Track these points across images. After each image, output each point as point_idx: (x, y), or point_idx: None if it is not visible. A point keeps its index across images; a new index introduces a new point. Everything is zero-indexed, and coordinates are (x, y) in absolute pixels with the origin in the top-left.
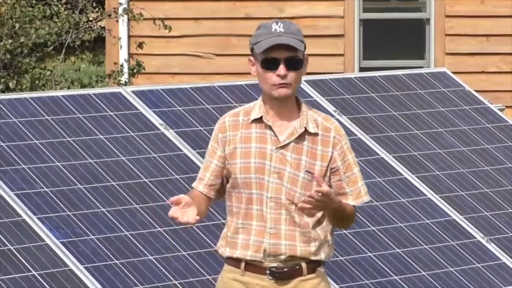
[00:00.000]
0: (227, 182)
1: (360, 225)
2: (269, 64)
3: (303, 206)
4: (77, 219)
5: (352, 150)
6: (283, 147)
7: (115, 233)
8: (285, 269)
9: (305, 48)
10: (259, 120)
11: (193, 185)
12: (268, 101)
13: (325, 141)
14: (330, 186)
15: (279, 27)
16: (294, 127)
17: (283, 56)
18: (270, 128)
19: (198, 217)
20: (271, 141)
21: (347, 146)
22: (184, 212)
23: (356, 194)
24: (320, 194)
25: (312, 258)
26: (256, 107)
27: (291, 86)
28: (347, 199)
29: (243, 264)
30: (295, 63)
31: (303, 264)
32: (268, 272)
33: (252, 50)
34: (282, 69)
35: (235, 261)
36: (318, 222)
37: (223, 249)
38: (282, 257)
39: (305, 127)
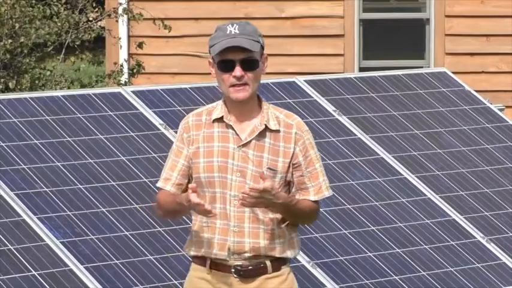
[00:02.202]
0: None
1: (359, 225)
2: (225, 66)
3: (242, 204)
4: (77, 219)
5: (314, 146)
6: (244, 145)
7: (115, 233)
8: (250, 267)
9: (263, 47)
10: (220, 119)
11: (160, 185)
12: (229, 100)
13: (287, 137)
14: (292, 181)
15: (234, 28)
16: (255, 125)
17: (239, 58)
18: (231, 127)
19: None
20: (233, 140)
21: (309, 142)
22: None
23: (317, 189)
24: (256, 190)
25: (277, 255)
26: (218, 107)
27: (249, 87)
28: (308, 194)
29: (208, 263)
30: (251, 64)
31: (268, 262)
32: (233, 270)
33: (210, 52)
34: (237, 70)
35: (200, 260)
36: (283, 219)
37: (189, 248)
38: (246, 254)
39: (265, 124)
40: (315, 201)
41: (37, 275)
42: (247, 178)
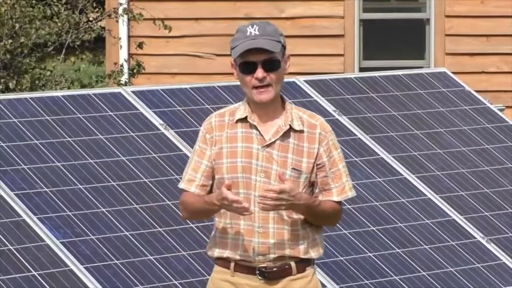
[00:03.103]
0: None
1: (359, 225)
2: (247, 68)
3: (262, 208)
4: (77, 219)
5: (338, 146)
6: (269, 145)
7: (115, 233)
8: (275, 269)
9: (284, 47)
10: (244, 120)
11: (183, 186)
12: (252, 101)
13: (311, 137)
14: (315, 182)
15: (254, 30)
16: (279, 125)
17: (260, 59)
18: (255, 127)
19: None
20: (257, 140)
21: (332, 143)
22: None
23: (340, 190)
24: (274, 192)
25: (302, 256)
26: (241, 107)
27: (272, 88)
28: (331, 195)
29: (232, 265)
30: (273, 64)
31: (292, 264)
32: (257, 272)
33: (232, 54)
34: (259, 72)
35: (224, 262)
36: (307, 220)
37: (213, 250)
38: (271, 256)
39: (290, 125)
40: (338, 202)
41: (37, 275)
42: (272, 179)
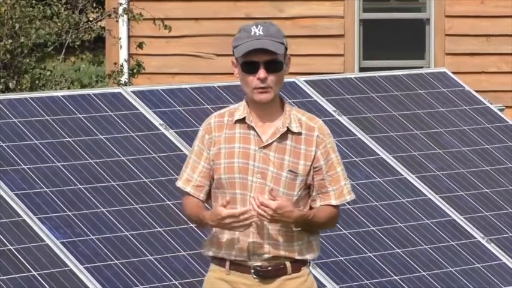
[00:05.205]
0: None
1: (360, 225)
2: (249, 68)
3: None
4: (77, 219)
5: (336, 150)
6: (266, 147)
7: (115, 233)
8: (269, 268)
9: (286, 48)
10: (242, 120)
11: (180, 185)
12: (252, 102)
13: (309, 140)
14: (312, 185)
15: (259, 30)
16: (277, 127)
17: (263, 60)
18: (253, 128)
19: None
20: (254, 141)
21: (330, 146)
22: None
23: (338, 193)
24: (258, 201)
25: (297, 257)
26: (240, 108)
27: (272, 89)
28: (329, 198)
29: (227, 264)
30: (275, 66)
31: (288, 263)
32: (252, 271)
33: (234, 52)
34: (261, 72)
35: (220, 261)
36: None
37: (208, 249)
38: (266, 255)
39: (287, 127)
40: (335, 206)
41: (37, 275)
42: (268, 180)
